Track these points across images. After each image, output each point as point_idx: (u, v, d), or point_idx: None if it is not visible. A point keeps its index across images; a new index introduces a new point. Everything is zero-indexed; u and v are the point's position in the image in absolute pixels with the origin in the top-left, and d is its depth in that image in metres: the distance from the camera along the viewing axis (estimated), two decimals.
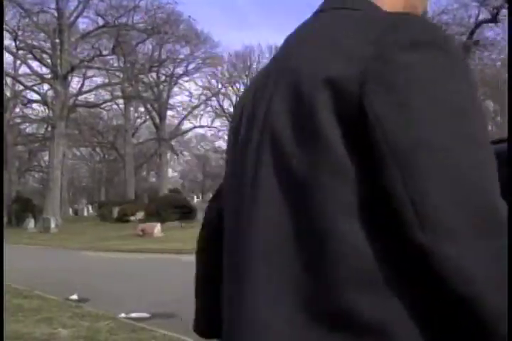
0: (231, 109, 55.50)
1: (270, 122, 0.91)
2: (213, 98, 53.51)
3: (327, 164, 0.83)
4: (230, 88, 53.90)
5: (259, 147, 0.93)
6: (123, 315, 7.46)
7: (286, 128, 0.88)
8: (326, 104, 0.83)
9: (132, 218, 32.63)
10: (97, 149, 56.37)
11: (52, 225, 32.53)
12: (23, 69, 42.09)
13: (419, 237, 0.76)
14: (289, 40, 1.02)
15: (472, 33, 23.04)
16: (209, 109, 54.42)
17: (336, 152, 0.82)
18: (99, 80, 44.09)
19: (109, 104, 45.84)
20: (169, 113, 49.29)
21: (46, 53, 38.62)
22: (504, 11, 22.31)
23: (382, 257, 0.81)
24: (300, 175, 0.86)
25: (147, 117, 49.93)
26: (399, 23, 0.86)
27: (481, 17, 23.16)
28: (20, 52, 38.82)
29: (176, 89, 49.08)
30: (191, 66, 47.24)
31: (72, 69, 37.05)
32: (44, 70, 40.31)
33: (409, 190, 0.77)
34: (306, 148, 0.85)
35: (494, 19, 22.46)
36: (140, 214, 31.99)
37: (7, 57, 37.55)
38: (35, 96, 40.86)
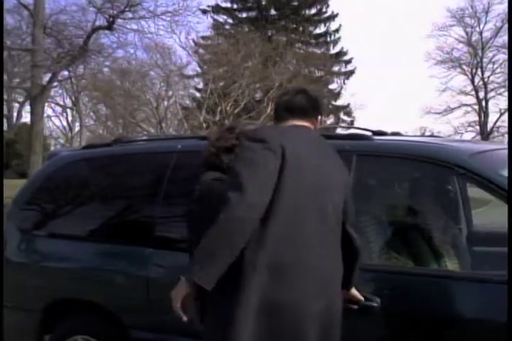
0: None
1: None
2: None
3: None
4: None
5: None
6: None
7: None
8: None
9: None
10: None
11: None
12: None
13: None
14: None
15: (89, 37, 23.30)
16: None
17: None
18: None
19: None
20: None
21: None
22: (120, 21, 23.36)
23: None
24: None
25: None
26: None
27: (98, 23, 23.63)
28: None
29: None
30: None
31: None
32: None
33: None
34: None
35: (110, 27, 23.17)
36: None
37: None
38: None
